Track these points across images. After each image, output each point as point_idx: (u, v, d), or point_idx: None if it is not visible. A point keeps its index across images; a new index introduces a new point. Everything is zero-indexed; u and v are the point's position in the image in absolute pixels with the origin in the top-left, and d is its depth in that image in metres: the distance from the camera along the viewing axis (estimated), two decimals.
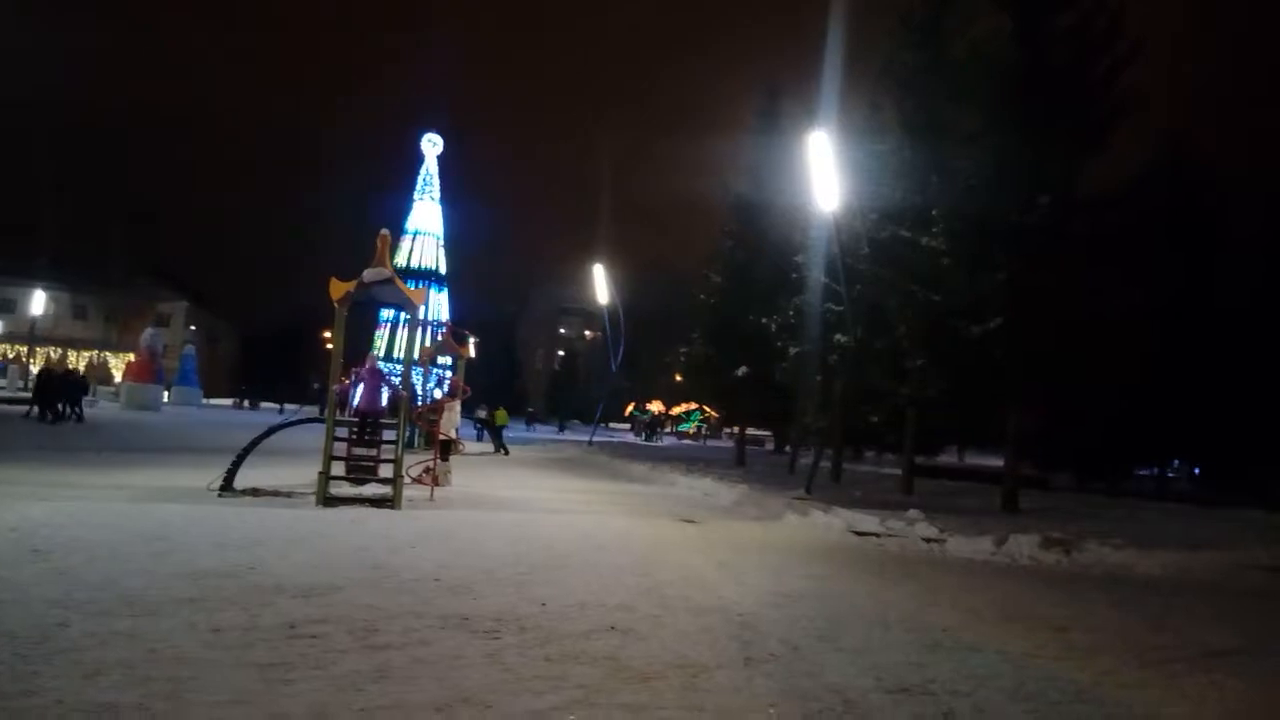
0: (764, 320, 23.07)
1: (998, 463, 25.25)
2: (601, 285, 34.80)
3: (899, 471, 19.91)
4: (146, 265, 69.12)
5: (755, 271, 25.40)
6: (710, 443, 48.18)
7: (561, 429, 25.15)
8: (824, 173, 15.77)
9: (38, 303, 50.03)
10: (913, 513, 12.39)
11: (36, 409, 25.01)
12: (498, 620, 5.62)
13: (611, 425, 57.16)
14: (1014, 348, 14.65)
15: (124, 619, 5.00)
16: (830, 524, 12.41)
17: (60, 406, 25.20)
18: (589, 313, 59.63)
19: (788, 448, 30.40)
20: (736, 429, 28.86)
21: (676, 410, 59.17)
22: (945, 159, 16.39)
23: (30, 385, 29.35)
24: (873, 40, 19.49)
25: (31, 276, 55.89)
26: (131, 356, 47.34)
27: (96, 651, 4.39)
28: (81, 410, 26.07)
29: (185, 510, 9.49)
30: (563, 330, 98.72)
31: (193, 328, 72.46)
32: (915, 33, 18.46)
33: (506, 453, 26.71)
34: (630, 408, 60.28)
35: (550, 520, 11.18)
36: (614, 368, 37.08)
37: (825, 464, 19.31)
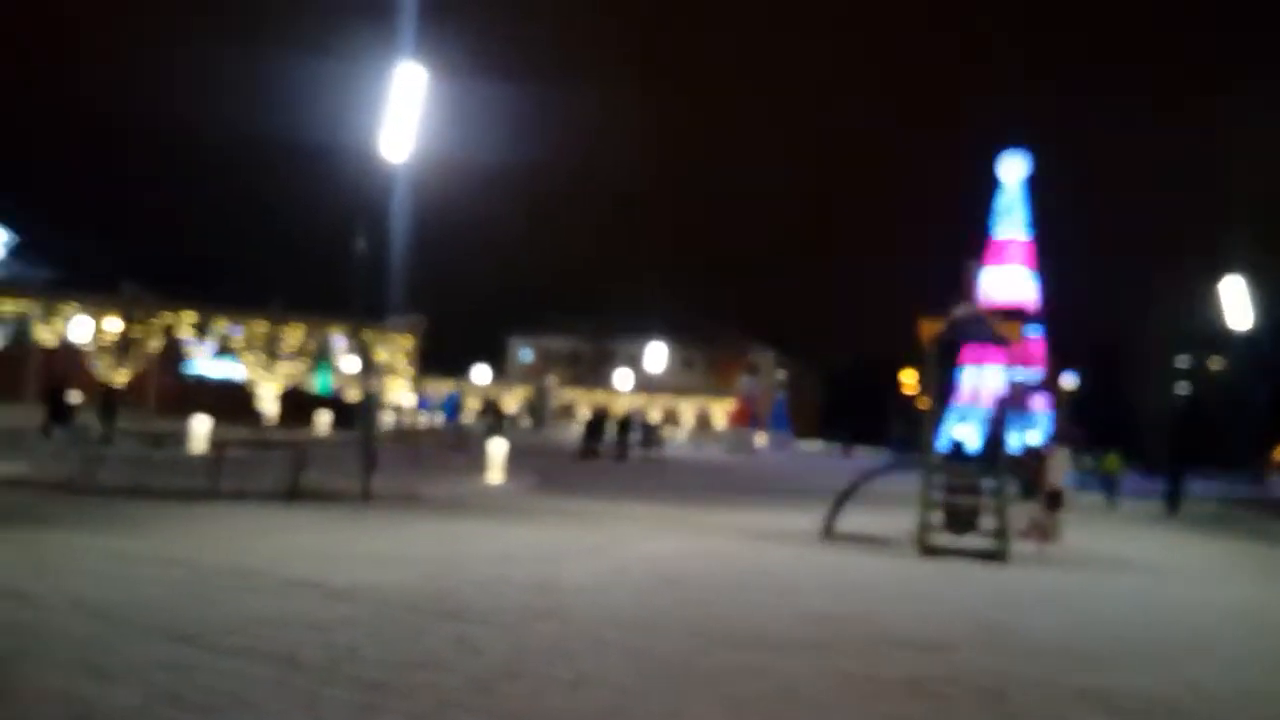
0: None
1: None
2: (1238, 302, 29.00)
3: None
4: (736, 317, 76.97)
5: None
6: None
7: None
8: None
9: (655, 356, 57.30)
10: None
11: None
12: (1144, 702, 4.79)
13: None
14: None
15: (754, 653, 5.29)
16: None
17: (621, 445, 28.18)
18: (1219, 336, 50.11)
19: None
20: None
21: None
22: None
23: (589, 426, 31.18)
24: None
25: (649, 332, 64.91)
26: (730, 403, 52.76)
27: (735, 684, 4.66)
28: (625, 451, 28.31)
29: (793, 552, 10.09)
30: (1181, 361, 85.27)
31: (780, 374, 78.63)
32: None
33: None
34: None
35: (1188, 590, 9.48)
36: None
37: None
